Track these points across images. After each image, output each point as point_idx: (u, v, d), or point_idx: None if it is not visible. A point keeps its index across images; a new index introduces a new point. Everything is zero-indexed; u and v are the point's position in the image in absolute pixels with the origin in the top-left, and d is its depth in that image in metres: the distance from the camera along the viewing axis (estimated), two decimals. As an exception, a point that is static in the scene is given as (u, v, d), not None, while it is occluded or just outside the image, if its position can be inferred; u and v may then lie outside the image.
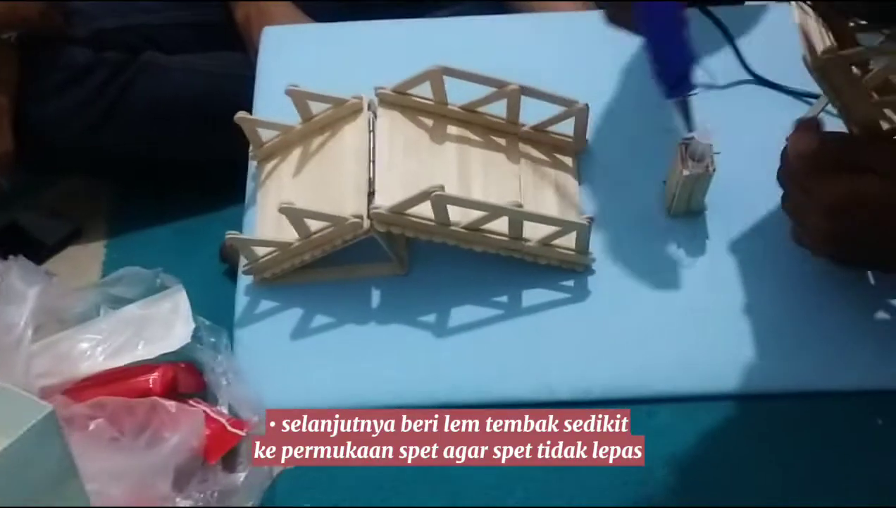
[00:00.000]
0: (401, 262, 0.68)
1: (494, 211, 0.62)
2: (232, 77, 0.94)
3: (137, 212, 1.10)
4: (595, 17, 0.85)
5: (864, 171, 0.54)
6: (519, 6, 0.94)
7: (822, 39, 0.53)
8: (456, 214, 0.63)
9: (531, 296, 0.68)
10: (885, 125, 0.60)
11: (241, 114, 0.68)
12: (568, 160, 0.73)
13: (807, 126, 0.57)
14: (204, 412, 0.59)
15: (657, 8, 0.61)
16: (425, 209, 0.62)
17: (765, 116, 0.73)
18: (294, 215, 0.62)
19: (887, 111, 0.61)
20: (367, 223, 0.62)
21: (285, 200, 0.67)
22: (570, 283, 0.68)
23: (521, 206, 0.61)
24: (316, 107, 0.69)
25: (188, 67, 0.97)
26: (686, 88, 0.63)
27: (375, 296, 0.68)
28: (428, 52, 0.78)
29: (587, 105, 0.69)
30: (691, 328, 0.65)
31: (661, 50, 0.63)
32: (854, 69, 0.59)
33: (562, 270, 0.67)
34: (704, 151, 0.65)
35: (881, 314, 0.65)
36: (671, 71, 0.63)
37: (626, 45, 0.78)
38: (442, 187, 0.59)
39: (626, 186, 0.72)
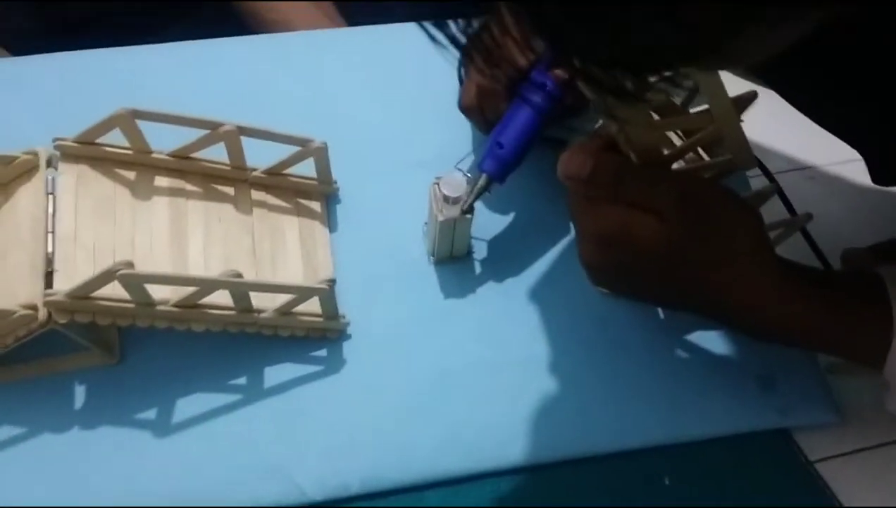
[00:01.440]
0: (107, 349, 0.55)
1: (207, 285, 0.50)
2: None
3: None
4: (344, 36, 0.77)
5: (638, 206, 0.46)
6: (256, 24, 0.82)
7: None
8: (164, 289, 0.51)
9: (275, 374, 0.56)
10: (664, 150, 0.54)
11: None
12: (315, 205, 0.62)
13: (581, 147, 0.48)
14: None
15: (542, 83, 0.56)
16: (121, 288, 0.49)
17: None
18: (-59, 313, 0.48)
19: (670, 134, 0.55)
20: (43, 314, 0.49)
21: (-49, 285, 0.53)
22: (323, 353, 0.58)
23: (239, 275, 0.50)
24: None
25: None
26: (497, 174, 0.57)
27: (80, 394, 0.55)
28: (143, 85, 0.67)
29: (325, 144, 0.58)
30: (461, 395, 0.56)
31: (510, 127, 0.57)
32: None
33: (311, 338, 0.57)
34: (458, 191, 0.56)
35: (670, 362, 0.58)
36: (500, 151, 0.57)
37: (379, 70, 0.70)
38: (129, 264, 0.47)
39: (385, 231, 0.62)
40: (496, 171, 0.57)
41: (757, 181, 0.63)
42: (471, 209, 0.57)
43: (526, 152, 0.57)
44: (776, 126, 0.67)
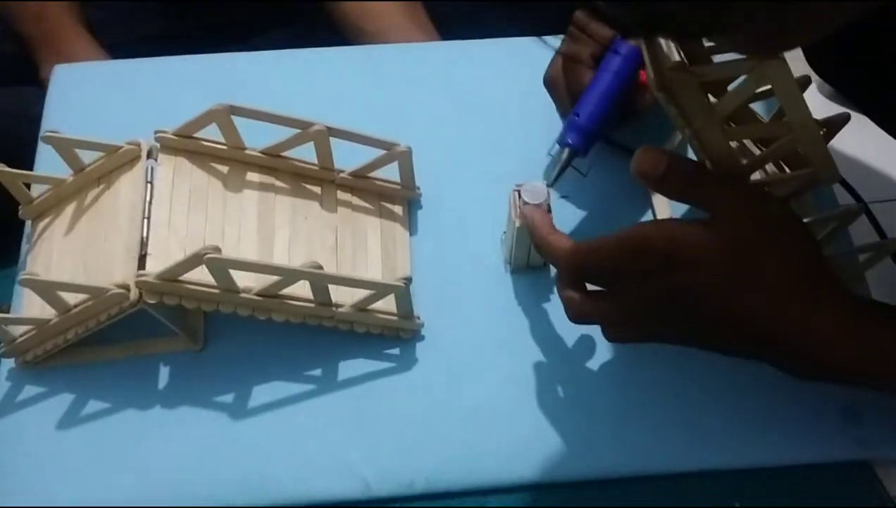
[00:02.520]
0: (192, 336, 0.57)
1: (289, 275, 0.52)
2: (22, 116, 0.81)
3: None
4: (434, 49, 0.78)
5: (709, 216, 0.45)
6: (351, 33, 0.85)
7: (670, 54, 0.45)
8: (249, 277, 0.53)
9: (349, 369, 0.58)
10: (743, 161, 0.53)
11: (-1, 167, 0.57)
12: (398, 209, 0.63)
13: (656, 147, 0.48)
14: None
15: (621, 55, 0.58)
16: (208, 274, 0.51)
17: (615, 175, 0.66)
18: (41, 289, 0.51)
19: (747, 142, 0.54)
20: (134, 294, 0.51)
21: (54, 265, 0.57)
22: (396, 351, 0.58)
23: (320, 267, 0.52)
24: (92, 155, 0.58)
25: None
26: (577, 143, 0.59)
27: (163, 376, 0.57)
28: (242, 89, 0.70)
29: (409, 148, 0.60)
30: (530, 404, 0.56)
31: (588, 95, 0.59)
32: (710, 97, 0.52)
33: (385, 336, 0.58)
34: (539, 196, 0.56)
35: (750, 384, 0.57)
36: (578, 120, 0.59)
37: (467, 83, 0.71)
38: (216, 248, 0.49)
39: (463, 239, 0.63)
40: (576, 140, 0.59)
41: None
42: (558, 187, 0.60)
43: (605, 121, 0.59)
44: (869, 152, 0.65)
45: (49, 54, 0.84)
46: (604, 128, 0.59)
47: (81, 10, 0.88)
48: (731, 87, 0.46)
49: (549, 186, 0.57)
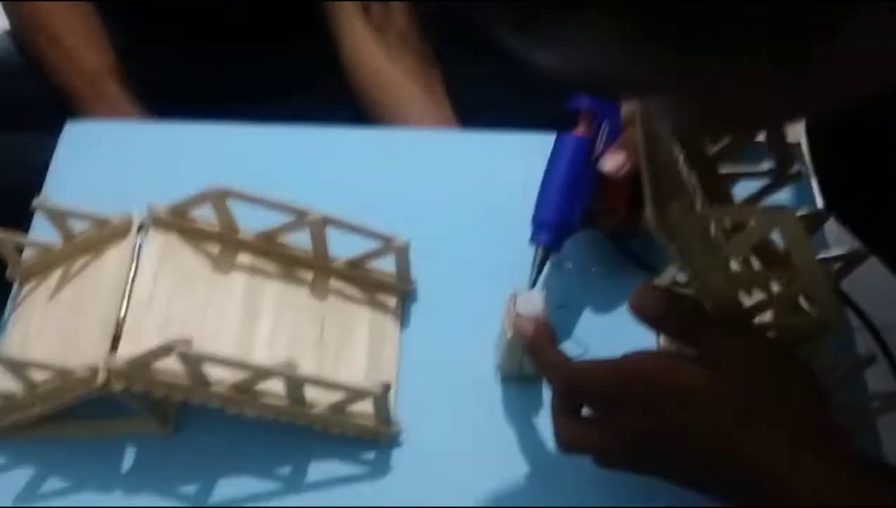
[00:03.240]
0: (163, 419, 0.55)
1: (263, 373, 0.50)
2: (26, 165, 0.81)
3: None
4: (448, 138, 0.77)
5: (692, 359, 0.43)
6: (368, 103, 0.84)
7: (674, 182, 0.43)
8: (223, 370, 0.51)
9: (319, 471, 0.55)
10: (746, 300, 0.50)
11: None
12: (391, 301, 0.61)
13: (656, 286, 0.45)
14: None
15: (569, 140, 0.58)
16: (179, 362, 0.50)
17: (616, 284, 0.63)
18: (9, 365, 0.50)
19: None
20: (102, 378, 0.50)
21: (32, 333, 0.56)
22: (371, 456, 0.56)
23: (294, 366, 0.50)
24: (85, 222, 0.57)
25: None
26: (547, 241, 0.57)
27: (129, 458, 0.55)
28: (251, 161, 0.69)
29: (407, 243, 0.58)
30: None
31: (547, 186, 0.58)
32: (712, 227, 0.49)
33: (361, 439, 0.55)
34: (534, 308, 0.54)
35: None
36: (542, 214, 0.58)
37: (479, 174, 0.69)
38: (188, 342, 0.47)
39: (457, 337, 0.61)
40: (545, 238, 0.57)
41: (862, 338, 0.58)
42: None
43: (573, 207, 0.57)
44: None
45: (87, 103, 0.84)
46: (571, 216, 0.58)
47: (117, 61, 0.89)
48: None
49: (531, 287, 0.56)
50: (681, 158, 0.45)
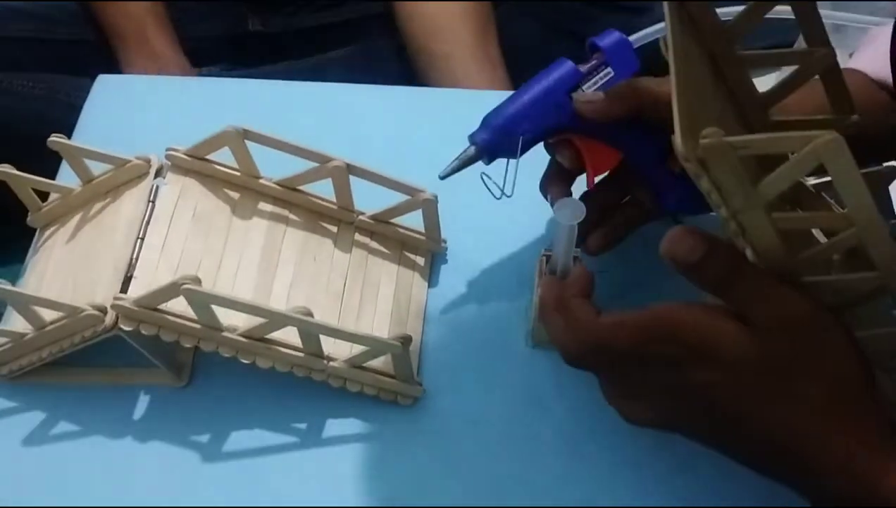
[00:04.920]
0: (178, 370, 0.53)
1: (275, 318, 0.47)
2: (54, 102, 0.79)
3: None
4: (490, 97, 0.73)
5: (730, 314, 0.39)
6: (417, 53, 0.81)
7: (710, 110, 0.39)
8: (237, 315, 0.48)
9: (337, 428, 0.52)
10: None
11: (3, 167, 0.54)
12: (420, 260, 0.58)
13: (695, 229, 0.41)
14: None
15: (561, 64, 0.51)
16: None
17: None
18: (16, 301, 0.48)
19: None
20: (110, 318, 0.48)
21: (48, 276, 0.54)
22: (391, 417, 0.53)
23: (310, 313, 0.47)
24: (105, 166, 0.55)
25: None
26: (482, 141, 0.51)
27: (141, 408, 0.53)
28: (282, 114, 0.66)
29: (434, 196, 0.55)
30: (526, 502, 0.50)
31: (515, 95, 0.51)
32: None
33: (381, 399, 0.52)
34: (567, 269, 0.50)
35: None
36: (492, 115, 0.51)
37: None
38: (196, 279, 0.45)
39: (487, 301, 0.58)
40: (483, 138, 0.51)
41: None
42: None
43: (524, 124, 0.51)
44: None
45: (132, 50, 0.83)
46: (517, 132, 0.51)
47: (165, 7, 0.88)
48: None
49: (441, 177, 0.51)
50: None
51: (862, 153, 0.36)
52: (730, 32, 0.43)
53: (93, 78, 0.70)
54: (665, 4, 0.40)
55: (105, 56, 0.83)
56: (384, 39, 0.83)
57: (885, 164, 0.55)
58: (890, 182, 0.50)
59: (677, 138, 0.34)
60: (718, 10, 0.44)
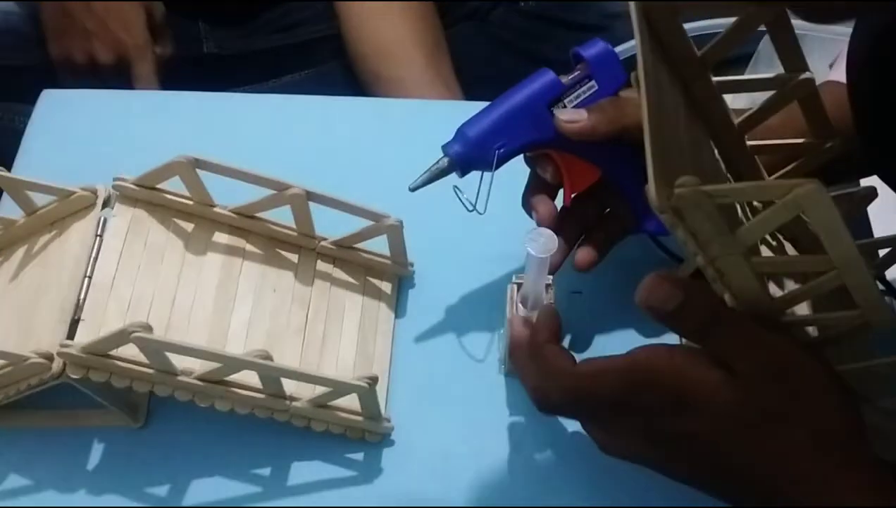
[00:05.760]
0: (132, 411, 0.50)
1: (232, 363, 0.45)
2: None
3: None
4: (451, 108, 0.71)
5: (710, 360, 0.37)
6: (368, 78, 0.78)
7: (682, 156, 0.37)
8: (192, 359, 0.46)
9: (302, 472, 0.50)
10: (775, 289, 0.44)
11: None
12: (385, 287, 0.56)
13: (669, 276, 0.40)
14: None
15: (542, 75, 0.49)
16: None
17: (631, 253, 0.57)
18: (-46, 348, 0.45)
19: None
20: (57, 365, 0.45)
21: (-9, 315, 0.51)
22: (359, 456, 0.51)
23: (268, 357, 0.44)
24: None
25: None
26: (455, 153, 0.49)
27: (96, 453, 0.51)
28: (237, 132, 0.63)
29: (399, 222, 0.52)
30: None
31: (492, 106, 0.49)
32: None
33: (348, 437, 0.50)
34: (538, 299, 0.48)
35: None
36: (468, 125, 0.49)
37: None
38: (146, 327, 0.42)
39: (456, 327, 0.56)
40: (456, 150, 0.48)
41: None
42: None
43: (500, 137, 0.48)
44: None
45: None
46: (492, 145, 0.49)
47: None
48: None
49: (412, 189, 0.49)
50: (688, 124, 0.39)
51: (841, 170, 0.34)
52: (702, 59, 0.41)
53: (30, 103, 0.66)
54: (635, 30, 0.38)
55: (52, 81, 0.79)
56: (338, 61, 0.80)
57: (862, 181, 0.53)
58: (868, 203, 0.49)
59: (651, 189, 0.32)
60: (688, 26, 0.42)
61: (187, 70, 0.79)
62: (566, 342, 0.55)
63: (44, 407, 0.51)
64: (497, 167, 0.49)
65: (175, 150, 0.50)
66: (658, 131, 0.33)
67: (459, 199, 0.49)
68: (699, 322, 0.37)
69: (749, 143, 0.46)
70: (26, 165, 0.62)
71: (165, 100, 0.65)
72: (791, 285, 0.45)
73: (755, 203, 0.46)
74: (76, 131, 0.64)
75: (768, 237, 0.48)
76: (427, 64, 0.75)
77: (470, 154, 0.48)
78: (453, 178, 0.50)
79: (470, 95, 0.77)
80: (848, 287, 0.37)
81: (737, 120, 0.45)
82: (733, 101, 0.47)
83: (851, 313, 0.38)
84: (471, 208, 0.49)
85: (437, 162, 0.49)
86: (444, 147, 0.49)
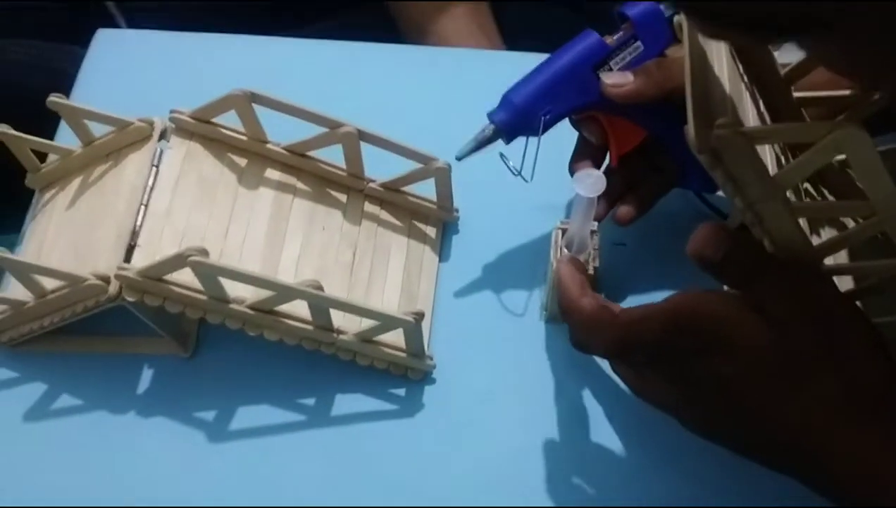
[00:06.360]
0: (182, 340, 0.52)
1: (284, 292, 0.46)
2: (46, 71, 0.76)
3: None
4: (496, 59, 0.71)
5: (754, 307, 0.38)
6: (411, 31, 0.78)
7: (725, 100, 0.37)
8: (244, 286, 0.47)
9: (345, 404, 0.51)
10: (815, 238, 0.44)
11: (1, 127, 0.52)
12: (430, 231, 0.57)
13: (719, 228, 0.40)
14: None
15: (587, 37, 0.49)
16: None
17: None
18: (16, 269, 0.46)
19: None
20: (114, 288, 0.46)
21: (48, 242, 0.52)
22: (401, 392, 0.52)
23: (320, 287, 0.45)
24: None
25: None
26: (501, 121, 0.49)
27: (145, 379, 0.52)
28: (285, 76, 0.64)
29: (448, 165, 0.53)
30: (540, 480, 0.49)
31: (537, 71, 0.49)
32: (775, 151, 0.43)
33: (391, 373, 0.51)
34: (583, 243, 0.49)
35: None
36: (513, 92, 0.49)
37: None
38: (203, 251, 0.43)
39: (499, 273, 0.56)
40: (502, 118, 0.49)
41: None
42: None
43: (545, 103, 0.49)
44: None
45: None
46: (538, 110, 0.49)
47: None
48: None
49: (458, 158, 0.49)
50: (738, 72, 0.39)
51: (888, 124, 0.34)
52: None
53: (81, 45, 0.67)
54: None
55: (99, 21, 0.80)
56: (375, 14, 0.80)
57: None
58: None
59: (690, 129, 0.33)
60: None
61: (233, 10, 0.79)
62: (608, 293, 0.55)
63: (95, 333, 0.52)
64: (543, 133, 0.49)
65: (227, 89, 0.51)
66: (699, 74, 0.33)
67: (506, 165, 0.50)
68: (745, 270, 0.37)
69: (795, 94, 0.46)
70: (82, 101, 0.63)
71: (218, 41, 0.66)
72: (829, 234, 0.45)
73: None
74: (129, 70, 0.65)
75: (812, 189, 0.48)
76: (468, 15, 0.75)
77: (516, 121, 0.49)
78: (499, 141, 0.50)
79: (511, 46, 0.77)
80: (889, 233, 0.37)
81: (783, 71, 0.45)
82: (780, 55, 0.47)
83: (892, 261, 0.38)
84: (516, 173, 0.49)
85: (483, 130, 0.49)
86: (490, 115, 0.49)
